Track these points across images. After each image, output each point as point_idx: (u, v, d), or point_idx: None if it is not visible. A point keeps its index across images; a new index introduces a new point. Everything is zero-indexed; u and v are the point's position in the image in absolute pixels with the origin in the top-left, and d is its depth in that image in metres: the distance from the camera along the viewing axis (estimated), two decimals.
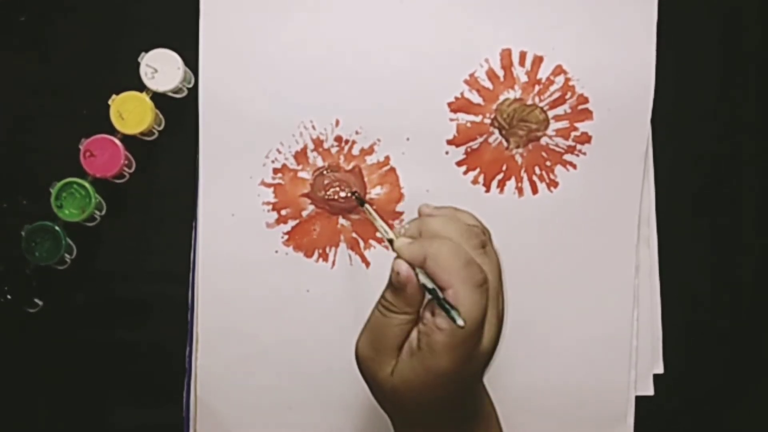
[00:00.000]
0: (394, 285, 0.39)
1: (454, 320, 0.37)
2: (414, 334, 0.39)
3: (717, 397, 0.55)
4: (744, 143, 0.55)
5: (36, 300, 0.53)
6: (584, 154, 0.53)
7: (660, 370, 0.55)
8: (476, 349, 0.38)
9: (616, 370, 0.54)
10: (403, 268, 0.39)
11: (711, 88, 0.55)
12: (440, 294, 0.38)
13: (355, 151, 0.53)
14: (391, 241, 0.41)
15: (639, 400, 0.54)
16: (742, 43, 0.55)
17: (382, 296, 0.40)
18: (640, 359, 0.54)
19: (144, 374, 0.54)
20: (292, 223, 0.53)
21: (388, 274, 0.52)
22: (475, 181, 0.53)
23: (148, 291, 0.54)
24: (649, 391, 0.54)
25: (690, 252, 0.55)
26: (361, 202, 0.50)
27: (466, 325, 0.36)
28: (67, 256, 0.53)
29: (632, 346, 0.54)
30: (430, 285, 0.38)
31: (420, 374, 0.38)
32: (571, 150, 0.53)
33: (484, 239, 0.40)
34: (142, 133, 0.52)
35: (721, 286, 0.55)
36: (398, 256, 0.40)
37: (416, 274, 0.39)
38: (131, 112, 0.51)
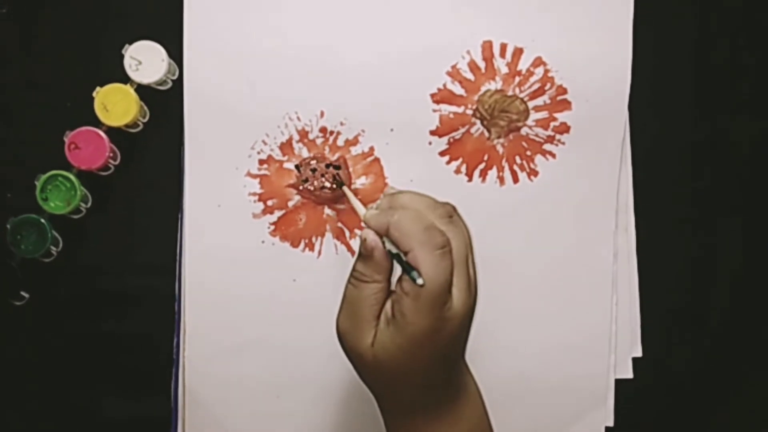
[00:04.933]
0: (363, 253, 0.41)
1: (414, 280, 0.38)
2: (388, 304, 0.41)
3: (694, 380, 0.56)
4: (721, 129, 0.56)
5: (22, 293, 0.53)
6: (563, 143, 0.54)
7: (639, 353, 0.56)
8: (446, 311, 0.39)
9: (595, 354, 0.55)
10: (370, 235, 0.41)
11: (688, 75, 0.56)
12: (403, 257, 0.39)
13: (340, 142, 0.53)
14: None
15: (618, 382, 0.55)
16: (718, 29, 0.56)
17: (353, 268, 0.42)
18: (619, 343, 0.55)
19: (131, 366, 0.54)
20: (278, 213, 0.53)
21: None
22: (457, 171, 0.54)
23: (134, 283, 0.54)
24: (629, 374, 0.56)
25: (667, 238, 0.56)
26: (340, 183, 0.51)
27: (426, 285, 0.38)
28: (53, 248, 0.53)
29: (611, 331, 0.55)
30: (394, 250, 0.40)
31: (397, 341, 0.39)
32: (550, 140, 0.54)
33: (450, 210, 0.42)
34: (126, 126, 0.52)
35: (697, 270, 0.56)
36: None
37: (383, 243, 0.41)
38: (116, 105, 0.51)
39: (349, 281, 0.42)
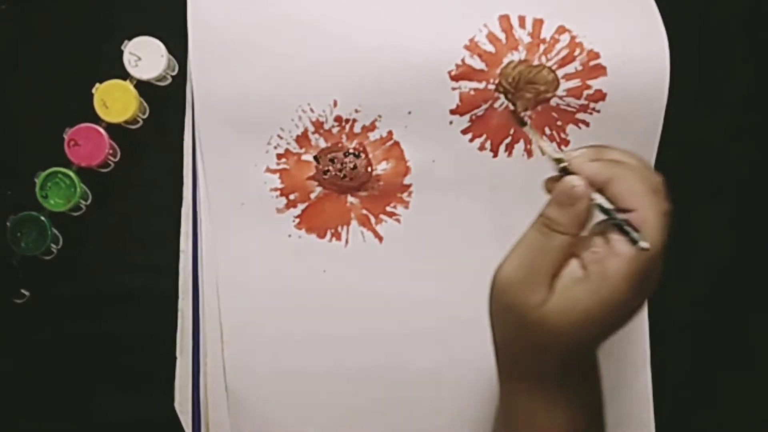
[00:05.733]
0: (563, 201, 0.37)
1: (635, 242, 0.35)
2: (576, 261, 0.36)
3: (685, 383, 0.56)
4: (718, 125, 0.55)
5: (22, 291, 0.51)
6: (598, 111, 0.51)
7: None
8: (651, 284, 0.36)
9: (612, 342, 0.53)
10: (581, 181, 0.37)
11: (693, 70, 0.54)
12: (620, 216, 0.36)
13: (357, 129, 0.51)
14: (558, 160, 0.39)
15: None
16: (726, 23, 0.55)
17: (542, 215, 0.37)
18: None
19: (132, 364, 0.52)
20: (301, 206, 0.51)
21: (402, 247, 0.51)
22: (481, 148, 0.52)
23: (134, 280, 0.52)
24: None
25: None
26: (522, 122, 0.48)
27: (649, 251, 0.34)
28: (53, 246, 0.51)
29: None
30: (608, 206, 0.36)
31: (584, 304, 0.35)
32: (584, 109, 0.51)
33: (662, 182, 0.38)
34: (126, 122, 0.51)
35: (684, 272, 0.55)
36: (563, 173, 0.38)
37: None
38: (115, 101, 0.50)
39: (533, 227, 0.37)
